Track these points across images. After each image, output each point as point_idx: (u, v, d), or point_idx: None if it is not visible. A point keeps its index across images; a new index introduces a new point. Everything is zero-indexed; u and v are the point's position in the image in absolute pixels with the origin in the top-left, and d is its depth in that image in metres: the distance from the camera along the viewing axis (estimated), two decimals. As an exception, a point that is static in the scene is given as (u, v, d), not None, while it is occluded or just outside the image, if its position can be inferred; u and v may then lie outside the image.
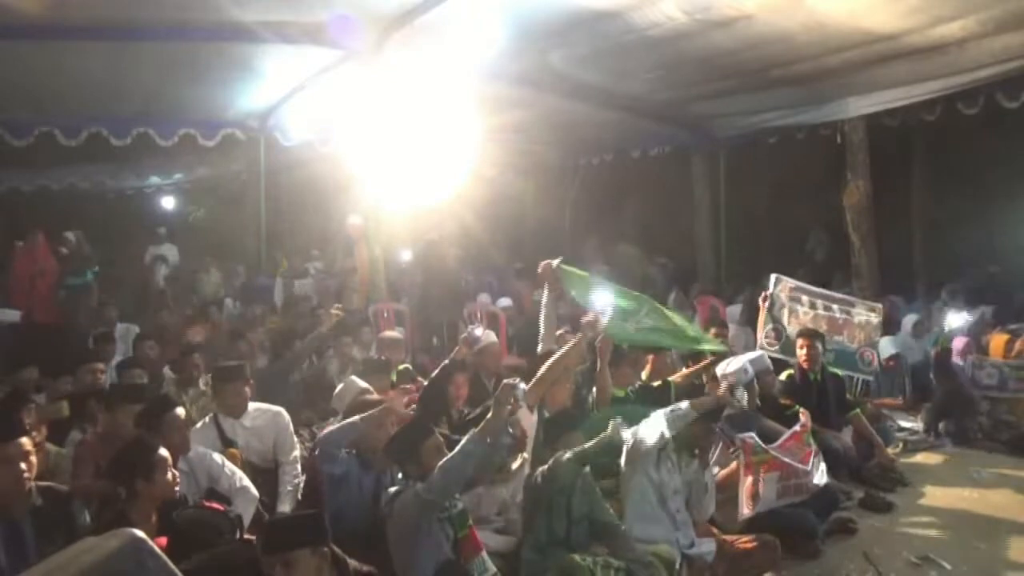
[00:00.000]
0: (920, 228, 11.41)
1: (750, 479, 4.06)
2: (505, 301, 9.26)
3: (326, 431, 4.01)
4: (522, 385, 3.43)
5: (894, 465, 5.54)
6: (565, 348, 4.38)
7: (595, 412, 4.59)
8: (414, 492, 3.22)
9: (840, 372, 5.98)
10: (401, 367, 6.00)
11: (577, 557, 3.22)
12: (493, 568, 3.32)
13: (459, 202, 8.46)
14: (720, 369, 4.73)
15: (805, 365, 5.73)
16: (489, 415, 3.37)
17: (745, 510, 4.05)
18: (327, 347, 6.46)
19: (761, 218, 12.33)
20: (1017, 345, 6.80)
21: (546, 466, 3.51)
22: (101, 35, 6.20)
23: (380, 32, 6.20)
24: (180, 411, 3.73)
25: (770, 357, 5.35)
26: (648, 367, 5.55)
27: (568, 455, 3.48)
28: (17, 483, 2.82)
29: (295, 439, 4.45)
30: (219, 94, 8.18)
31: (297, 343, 6.22)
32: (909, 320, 7.84)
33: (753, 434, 4.18)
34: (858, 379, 6.95)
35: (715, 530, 4.03)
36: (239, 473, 3.81)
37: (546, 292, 4.95)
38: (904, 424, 6.65)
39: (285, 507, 4.07)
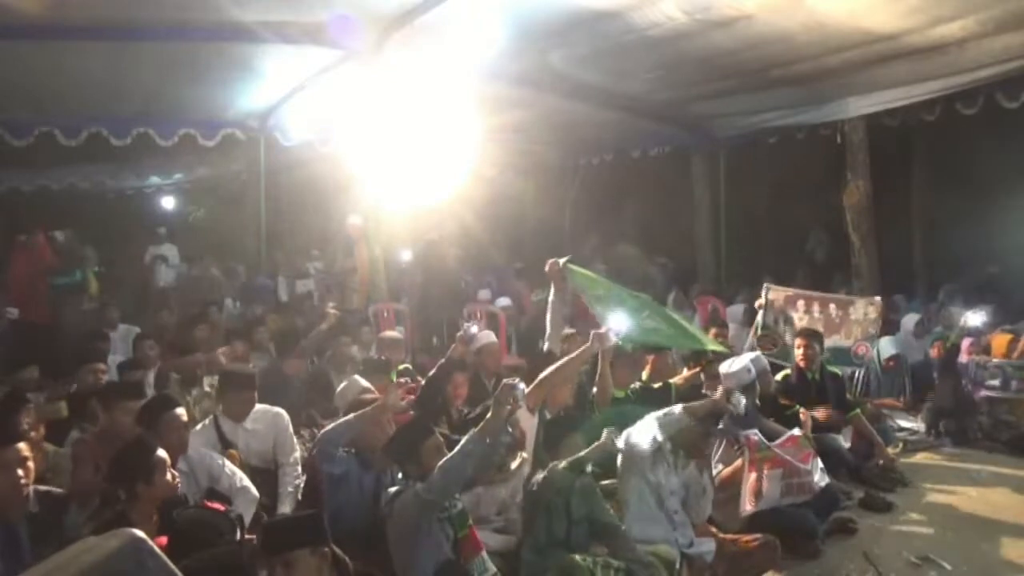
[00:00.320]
0: (920, 228, 11.42)
1: (753, 475, 4.06)
2: (505, 301, 9.26)
3: (323, 431, 4.01)
4: (522, 385, 3.43)
5: (894, 465, 5.55)
6: (571, 356, 4.34)
7: (596, 412, 4.60)
8: (414, 492, 3.22)
9: (838, 370, 5.98)
10: (401, 367, 6.01)
11: (577, 557, 3.22)
12: (493, 568, 3.32)
13: (459, 202, 8.47)
14: (723, 369, 4.74)
15: (802, 364, 5.73)
16: (489, 415, 3.37)
17: (747, 506, 4.05)
18: (326, 347, 6.46)
19: (761, 218, 12.34)
20: (1020, 345, 6.80)
21: (541, 475, 3.53)
22: (101, 35, 6.20)
23: (380, 32, 6.20)
24: (180, 411, 3.73)
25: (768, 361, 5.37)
26: (648, 367, 5.55)
27: (563, 464, 3.49)
28: (14, 489, 2.82)
29: (295, 440, 4.45)
30: (219, 94, 8.18)
31: (302, 341, 6.23)
32: (910, 320, 7.84)
33: (756, 431, 4.19)
34: (858, 379, 6.97)
35: (714, 529, 4.03)
36: (239, 473, 3.81)
37: (552, 291, 4.94)
38: (904, 424, 6.65)
39: (285, 508, 4.06)
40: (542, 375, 4.20)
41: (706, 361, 5.23)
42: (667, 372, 5.51)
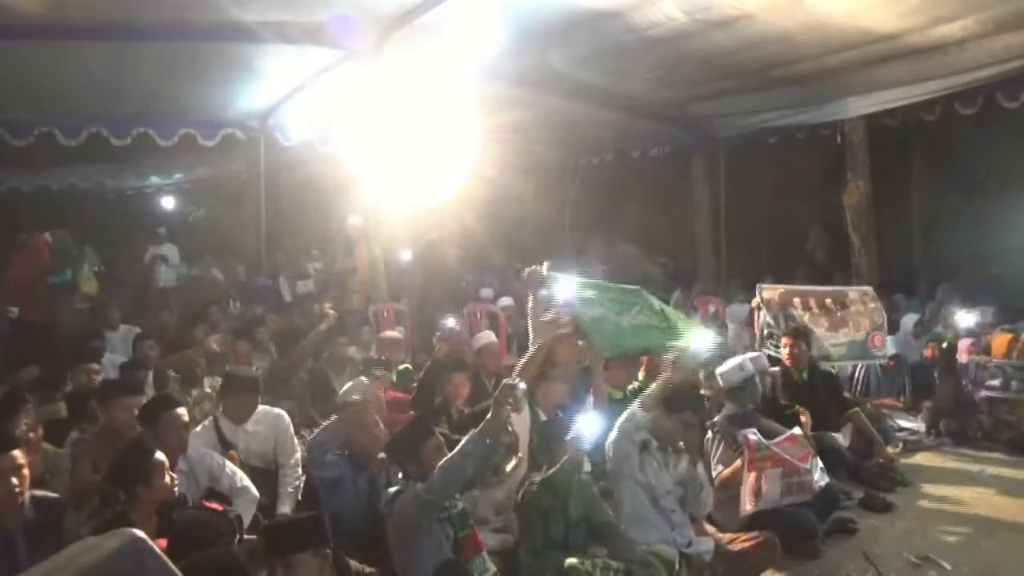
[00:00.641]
0: (920, 228, 11.41)
1: (753, 475, 4.06)
2: (507, 301, 9.25)
3: (310, 438, 4.02)
4: (522, 385, 3.43)
5: (894, 464, 5.55)
6: (530, 353, 4.27)
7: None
8: (414, 492, 3.22)
9: (832, 369, 5.98)
10: (401, 367, 6.01)
11: (576, 560, 3.22)
12: (493, 568, 3.32)
13: (459, 202, 8.47)
14: (720, 368, 4.74)
15: (789, 363, 5.71)
16: (489, 415, 3.37)
17: (747, 506, 4.05)
18: (324, 348, 6.45)
19: (761, 218, 12.32)
20: (1020, 344, 6.79)
21: (520, 494, 3.53)
22: (101, 35, 6.20)
23: (380, 32, 6.20)
24: (181, 411, 3.73)
25: (773, 357, 5.36)
26: (643, 368, 5.53)
27: (535, 483, 3.48)
28: (9, 496, 2.82)
29: (296, 441, 4.44)
30: (219, 94, 8.19)
31: (302, 341, 6.22)
32: (909, 320, 7.84)
33: (755, 430, 4.18)
34: (858, 379, 6.97)
35: (713, 529, 4.03)
36: (239, 473, 3.80)
37: (531, 299, 4.79)
38: (904, 424, 6.65)
39: (285, 508, 4.06)
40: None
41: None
42: (661, 372, 5.48)
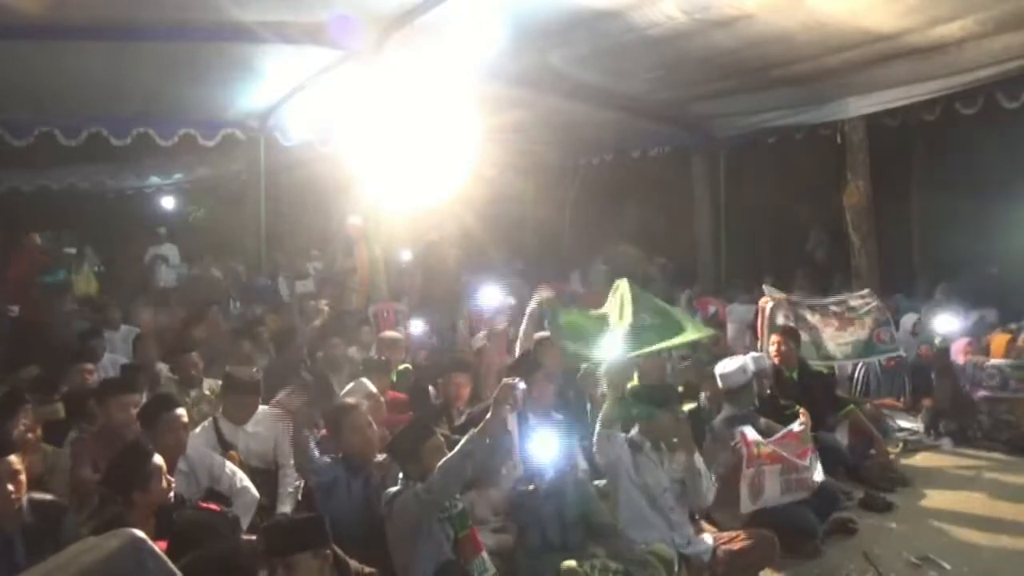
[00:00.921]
0: (920, 228, 11.40)
1: (751, 471, 4.06)
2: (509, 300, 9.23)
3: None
4: (522, 385, 3.43)
5: (892, 463, 5.54)
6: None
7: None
8: (414, 492, 3.23)
9: (824, 368, 5.97)
10: (401, 367, 6.01)
11: (574, 563, 3.22)
12: (492, 568, 3.32)
13: (459, 202, 8.46)
14: (719, 369, 4.74)
15: (777, 361, 5.69)
16: (489, 415, 3.37)
17: (748, 505, 4.04)
18: (318, 347, 6.45)
19: (761, 218, 12.32)
20: (1019, 343, 6.78)
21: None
22: (101, 35, 6.20)
23: (380, 32, 6.20)
24: (181, 411, 3.73)
25: None
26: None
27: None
28: (5, 502, 2.82)
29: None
30: (219, 94, 8.18)
31: (298, 339, 6.23)
32: (909, 320, 7.82)
33: (749, 427, 4.19)
34: (858, 379, 6.97)
35: (712, 528, 4.03)
36: (240, 473, 3.81)
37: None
38: (904, 424, 6.65)
39: (285, 508, 4.06)
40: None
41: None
42: (656, 373, 5.48)
